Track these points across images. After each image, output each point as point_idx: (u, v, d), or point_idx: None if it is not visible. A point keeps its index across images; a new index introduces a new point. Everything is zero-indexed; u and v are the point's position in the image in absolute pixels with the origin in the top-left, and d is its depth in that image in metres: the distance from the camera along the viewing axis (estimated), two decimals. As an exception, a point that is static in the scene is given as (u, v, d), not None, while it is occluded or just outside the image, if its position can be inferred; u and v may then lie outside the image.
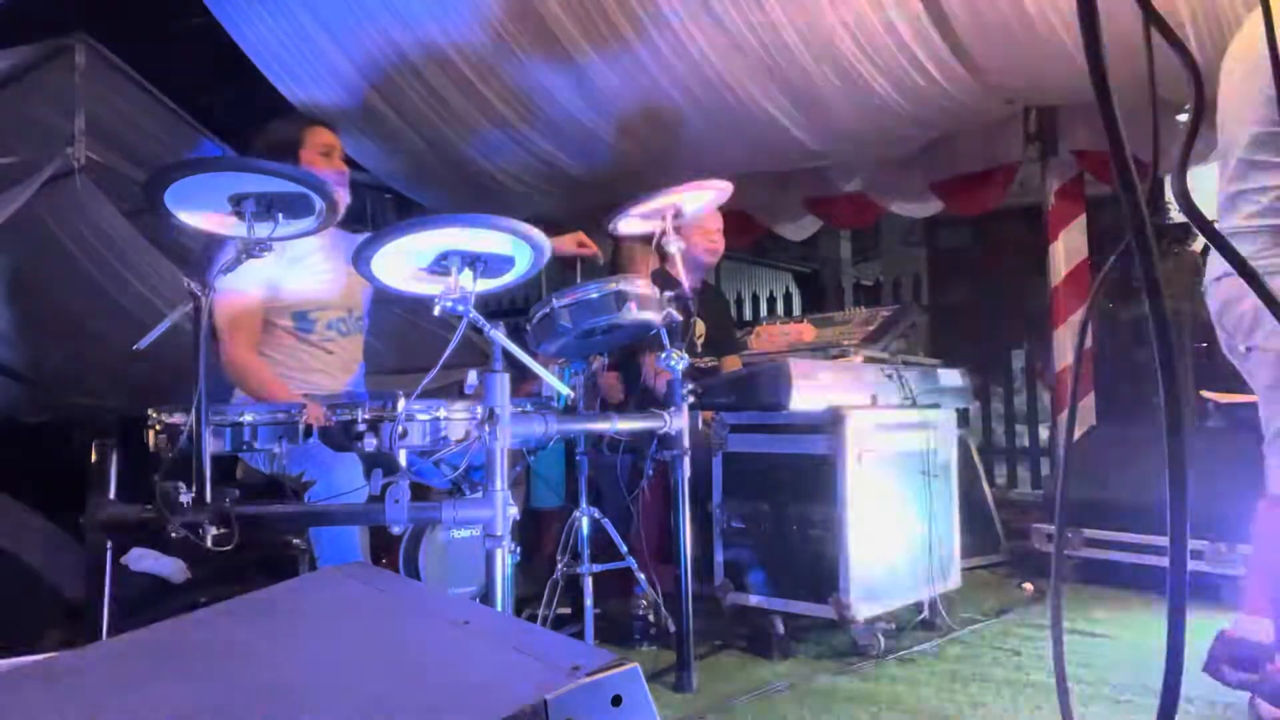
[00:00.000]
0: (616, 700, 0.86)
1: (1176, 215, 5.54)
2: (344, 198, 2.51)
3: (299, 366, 2.56)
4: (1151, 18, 0.77)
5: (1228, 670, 2.07)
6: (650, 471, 2.66)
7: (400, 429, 1.95)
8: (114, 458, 1.92)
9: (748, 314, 7.45)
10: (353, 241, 2.42)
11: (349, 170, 2.67)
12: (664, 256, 3.16)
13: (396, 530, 1.91)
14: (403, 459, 1.98)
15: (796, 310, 7.64)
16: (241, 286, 2.42)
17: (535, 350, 2.37)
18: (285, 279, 2.51)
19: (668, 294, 2.44)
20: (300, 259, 2.55)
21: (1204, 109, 0.81)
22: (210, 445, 1.87)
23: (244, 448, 2.03)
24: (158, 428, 2.03)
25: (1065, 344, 4.39)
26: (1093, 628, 2.88)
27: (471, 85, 4.27)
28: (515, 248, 1.91)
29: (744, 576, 2.81)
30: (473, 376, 1.93)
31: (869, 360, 3.28)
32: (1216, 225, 1.94)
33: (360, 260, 1.88)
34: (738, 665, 2.63)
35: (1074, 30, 3.24)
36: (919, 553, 2.82)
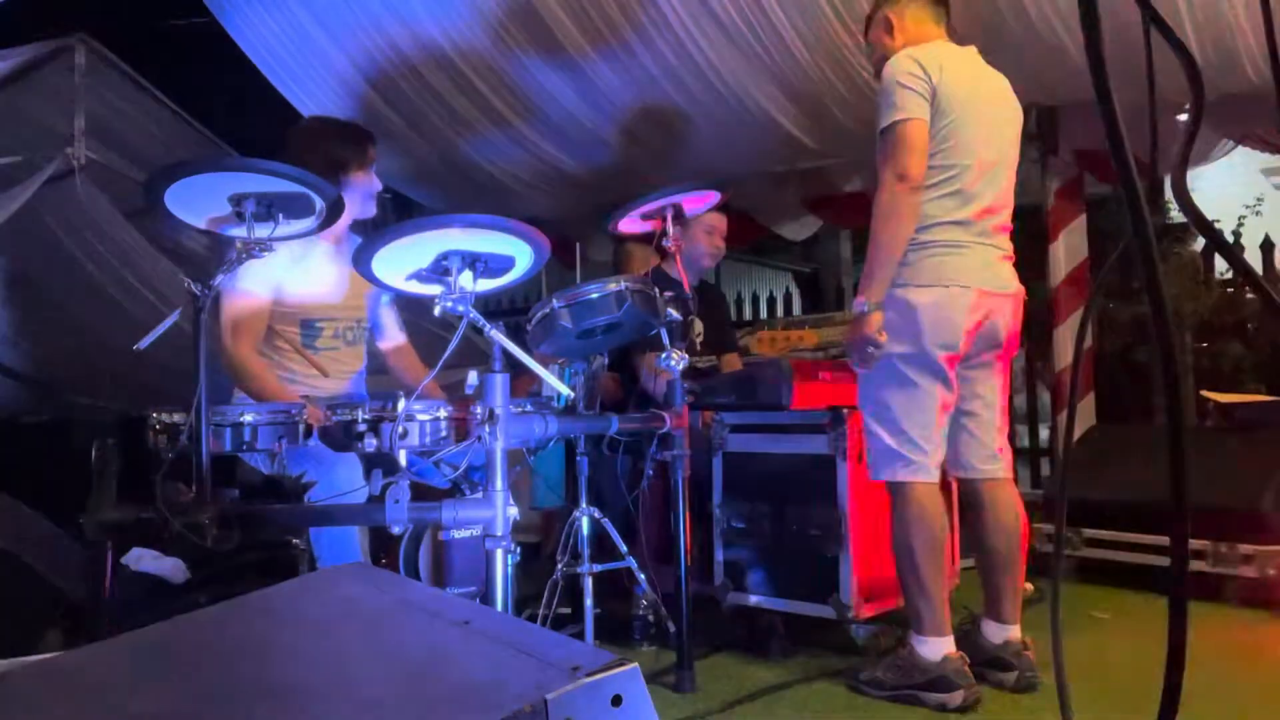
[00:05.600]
0: (616, 700, 0.86)
1: (1176, 215, 5.55)
2: (370, 210, 2.66)
3: (294, 378, 2.55)
4: (1151, 18, 0.77)
5: None
6: (650, 471, 2.66)
7: (400, 429, 1.95)
8: (114, 458, 1.92)
9: (748, 314, 7.45)
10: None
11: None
12: (663, 256, 3.17)
13: (396, 530, 1.91)
14: (403, 459, 1.98)
15: (796, 310, 7.64)
16: (250, 287, 2.42)
17: (535, 350, 2.37)
18: (296, 284, 2.51)
19: (667, 294, 2.44)
20: (311, 265, 2.55)
21: (1204, 109, 0.81)
22: (210, 445, 1.87)
23: (244, 448, 2.03)
24: (158, 428, 2.03)
25: (1065, 344, 4.39)
26: (1093, 628, 2.88)
27: (471, 85, 4.28)
28: (515, 248, 1.91)
29: (744, 576, 2.81)
30: (473, 377, 1.93)
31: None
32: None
33: (360, 260, 1.88)
34: (738, 665, 2.63)
35: (1074, 29, 3.25)
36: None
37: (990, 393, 2.41)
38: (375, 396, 2.47)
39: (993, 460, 2.40)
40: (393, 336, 2.86)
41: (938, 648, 2.22)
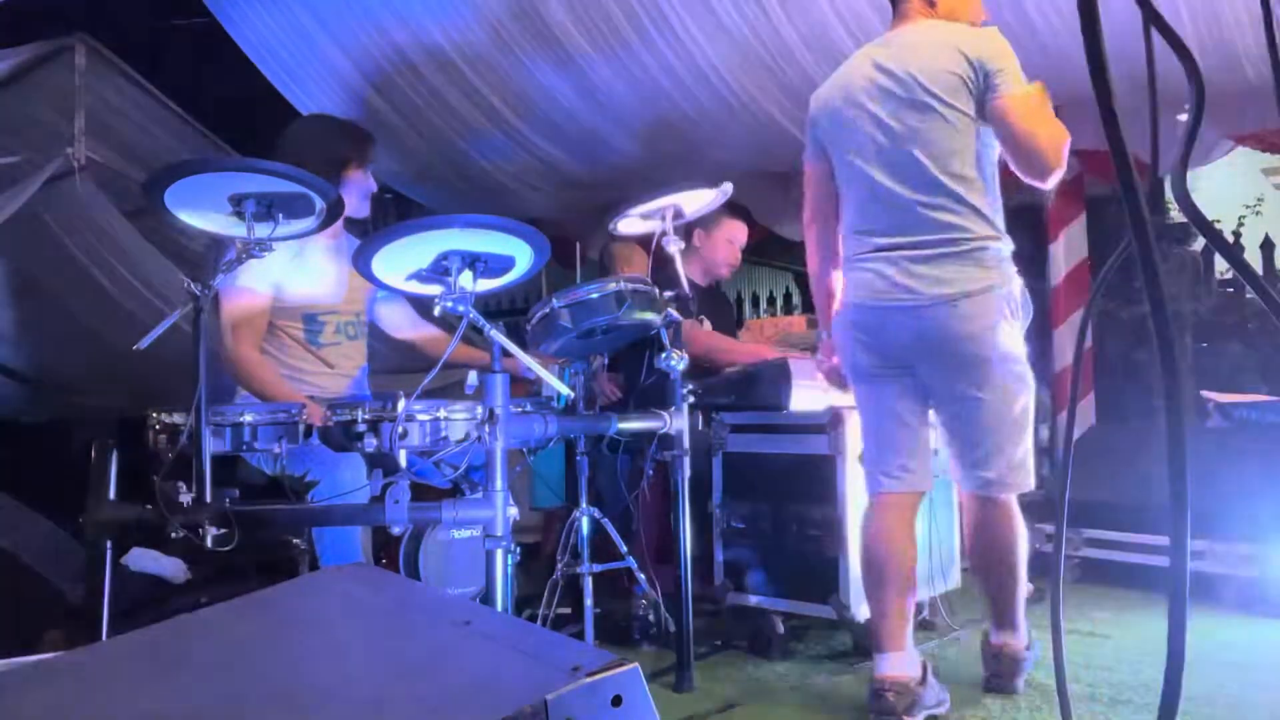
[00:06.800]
0: (616, 700, 0.86)
1: (1176, 215, 5.55)
2: (365, 210, 2.66)
3: (299, 374, 2.55)
4: (1151, 18, 0.77)
5: None
6: (650, 471, 2.66)
7: (400, 429, 1.95)
8: (114, 458, 1.92)
9: (748, 314, 7.45)
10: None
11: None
12: (665, 257, 3.18)
13: (396, 530, 1.91)
14: (403, 459, 1.98)
15: (796, 311, 7.63)
16: (251, 285, 2.42)
17: (535, 350, 2.37)
18: (297, 281, 2.52)
19: (667, 294, 2.44)
20: (311, 261, 2.55)
21: (1204, 109, 0.81)
22: (210, 445, 1.87)
23: (244, 448, 2.03)
24: (158, 428, 2.03)
25: (1065, 344, 4.39)
26: (1093, 628, 2.88)
27: (471, 85, 4.27)
28: (515, 248, 1.91)
29: (744, 576, 2.81)
30: (473, 377, 1.94)
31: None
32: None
33: (360, 260, 1.89)
34: (738, 665, 2.63)
35: (1073, 28, 3.24)
36: (919, 553, 2.82)
37: (951, 419, 2.19)
38: (376, 397, 2.47)
39: (968, 478, 2.21)
40: (414, 326, 2.86)
41: (879, 663, 2.16)
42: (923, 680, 2.14)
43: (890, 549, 2.21)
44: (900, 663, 2.13)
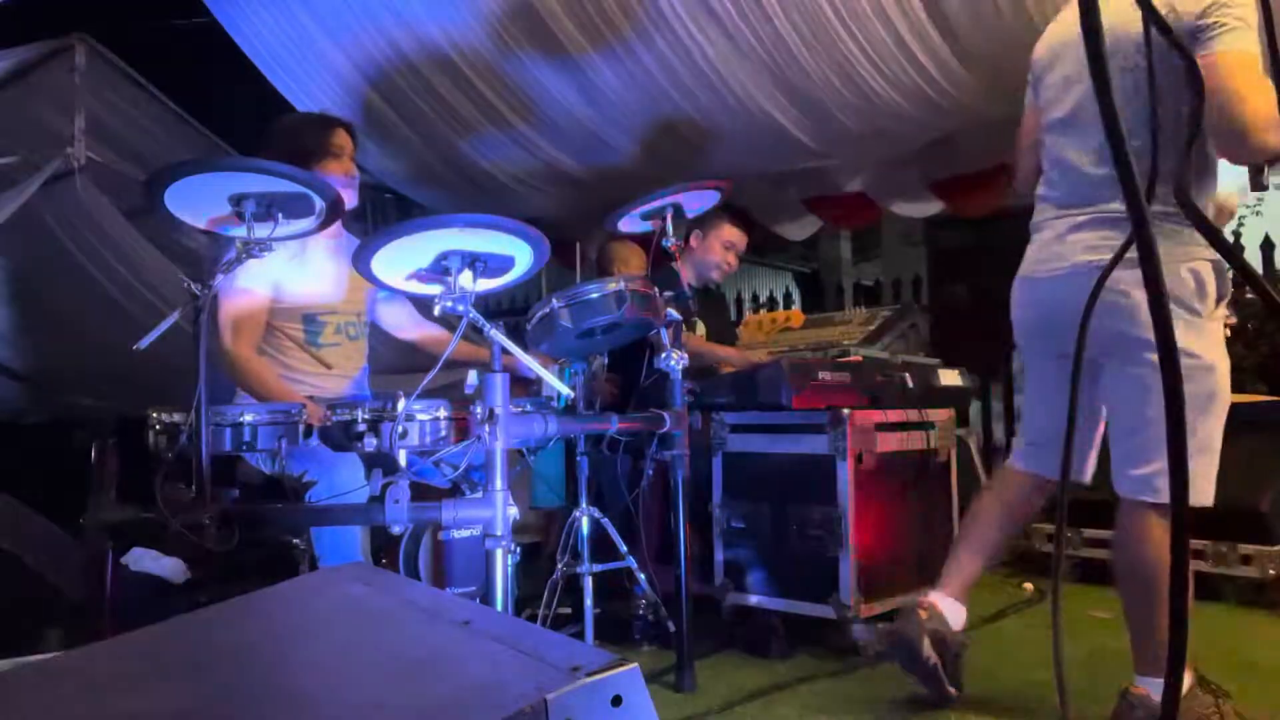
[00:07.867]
0: (616, 700, 0.86)
1: (1176, 215, 5.55)
2: (350, 200, 2.55)
3: (298, 375, 2.55)
4: (1152, 18, 0.77)
5: None
6: (650, 471, 2.66)
7: (400, 429, 1.95)
8: (114, 458, 1.92)
9: (748, 314, 7.45)
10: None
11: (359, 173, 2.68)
12: (664, 256, 3.19)
13: (396, 530, 1.91)
14: (403, 459, 1.98)
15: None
16: (250, 285, 2.41)
17: (535, 350, 2.37)
18: (296, 281, 2.51)
19: (667, 294, 2.44)
20: (311, 261, 2.55)
21: (1204, 109, 0.81)
22: (210, 445, 1.87)
23: (244, 448, 2.03)
24: (158, 428, 2.04)
25: (1065, 344, 4.37)
26: (1093, 627, 2.87)
27: (471, 85, 4.27)
28: (515, 248, 1.91)
29: (744, 576, 2.81)
30: (473, 376, 1.93)
31: (869, 360, 3.28)
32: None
33: (360, 260, 1.88)
34: (738, 665, 2.63)
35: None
36: (918, 553, 2.82)
37: (1110, 406, 2.07)
38: (375, 396, 2.47)
39: (1114, 473, 2.06)
40: (417, 325, 2.85)
41: (928, 593, 2.21)
42: (958, 634, 2.17)
43: (983, 514, 2.25)
44: (946, 603, 2.16)
